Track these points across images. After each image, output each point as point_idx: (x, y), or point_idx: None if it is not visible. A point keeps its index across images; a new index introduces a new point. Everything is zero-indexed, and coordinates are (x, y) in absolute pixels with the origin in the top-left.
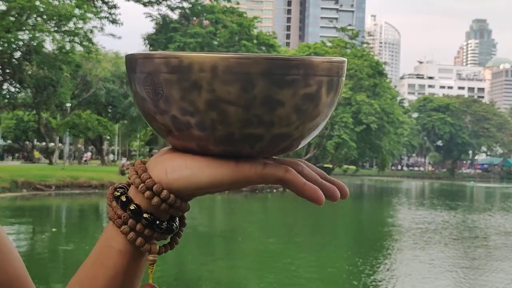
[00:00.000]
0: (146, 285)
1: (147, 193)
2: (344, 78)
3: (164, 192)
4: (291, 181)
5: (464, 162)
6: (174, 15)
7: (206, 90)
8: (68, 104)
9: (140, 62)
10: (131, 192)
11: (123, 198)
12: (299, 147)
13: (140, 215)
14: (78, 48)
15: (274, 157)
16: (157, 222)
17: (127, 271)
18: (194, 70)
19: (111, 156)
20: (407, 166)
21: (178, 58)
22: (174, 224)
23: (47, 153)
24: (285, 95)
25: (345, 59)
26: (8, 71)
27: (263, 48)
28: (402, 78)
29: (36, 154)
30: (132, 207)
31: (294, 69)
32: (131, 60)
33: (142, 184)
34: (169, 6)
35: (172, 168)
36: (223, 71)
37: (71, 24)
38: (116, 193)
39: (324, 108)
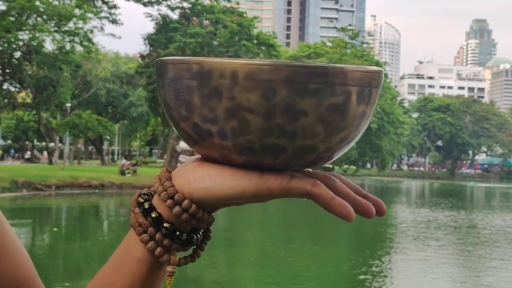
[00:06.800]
0: None
1: (169, 201)
2: (380, 89)
3: (186, 202)
4: (318, 196)
5: (464, 162)
6: (174, 15)
7: (226, 97)
8: (68, 104)
9: (164, 67)
10: (155, 200)
11: (146, 205)
12: (330, 161)
13: (161, 224)
14: (78, 48)
15: (308, 169)
16: (177, 232)
17: (145, 280)
18: (214, 76)
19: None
20: (407, 166)
21: (199, 63)
22: (195, 236)
23: (48, 153)
24: (308, 105)
25: (381, 70)
26: (8, 71)
27: (263, 48)
28: (402, 78)
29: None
30: (153, 214)
31: (318, 78)
32: (159, 65)
33: (164, 193)
34: (169, 6)
35: (194, 177)
36: (244, 78)
37: (71, 24)
38: (140, 199)
39: (354, 120)
